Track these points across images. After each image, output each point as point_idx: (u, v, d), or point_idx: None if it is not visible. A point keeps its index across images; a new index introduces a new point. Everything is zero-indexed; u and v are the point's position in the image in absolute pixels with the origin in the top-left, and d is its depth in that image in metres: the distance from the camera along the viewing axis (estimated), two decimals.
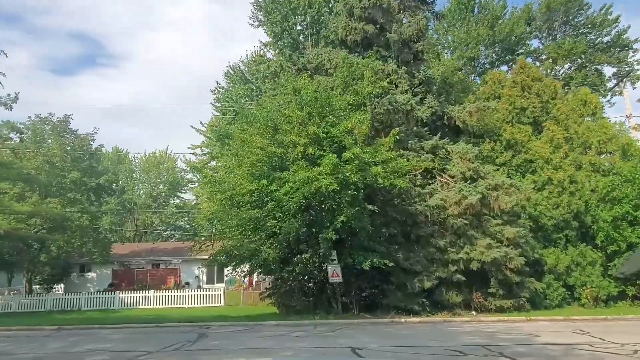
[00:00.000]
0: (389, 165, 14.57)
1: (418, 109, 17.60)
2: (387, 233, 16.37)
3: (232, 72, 36.19)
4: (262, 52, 33.94)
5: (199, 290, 26.89)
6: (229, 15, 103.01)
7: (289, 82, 16.96)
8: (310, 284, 18.32)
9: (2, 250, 27.33)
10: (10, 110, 22.05)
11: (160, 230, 63.76)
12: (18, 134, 22.60)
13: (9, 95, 21.86)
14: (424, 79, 19.02)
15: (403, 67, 18.47)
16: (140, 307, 25.35)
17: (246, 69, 36.74)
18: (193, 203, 61.96)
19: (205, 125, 40.28)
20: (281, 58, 24.61)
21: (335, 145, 14.92)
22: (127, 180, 58.37)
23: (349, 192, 14.18)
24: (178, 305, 25.35)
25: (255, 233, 16.28)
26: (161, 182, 61.09)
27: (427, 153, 17.51)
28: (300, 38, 32.49)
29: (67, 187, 29.97)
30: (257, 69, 33.15)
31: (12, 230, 21.23)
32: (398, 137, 15.68)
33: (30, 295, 28.23)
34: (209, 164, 49.93)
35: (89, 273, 38.40)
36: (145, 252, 40.78)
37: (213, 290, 26.73)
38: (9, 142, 29.34)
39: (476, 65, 34.76)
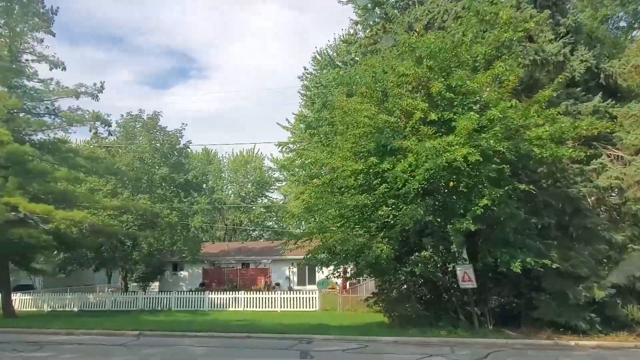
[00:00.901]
0: (548, 129, 10.58)
1: (572, 61, 13.30)
2: (539, 224, 12.30)
3: (319, 58, 33.56)
4: (352, 32, 30.86)
5: (290, 292, 24.43)
6: (307, 19, 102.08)
7: (401, 35, 13.51)
8: (424, 288, 14.82)
9: (99, 247, 27.06)
10: (97, 100, 21.24)
11: (249, 230, 63.54)
12: (105, 126, 21.65)
13: (94, 84, 21.03)
14: (572, 25, 14.63)
15: (546, 11, 14.23)
16: (230, 309, 23.43)
17: (334, 54, 33.95)
18: (281, 202, 60.97)
19: (294, 115, 38.02)
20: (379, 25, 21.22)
21: (469, 106, 11.28)
22: (216, 181, 58.64)
23: (493, 166, 10.45)
24: (269, 309, 23.04)
25: (362, 224, 13.13)
26: (249, 182, 60.70)
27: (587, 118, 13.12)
28: (395, 12, 28.89)
29: (156, 184, 29.25)
30: (348, 50, 30.16)
31: (101, 226, 20.30)
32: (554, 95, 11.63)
33: (125, 293, 27.64)
34: (296, 161, 48.28)
35: (182, 272, 37.98)
36: (235, 251, 39.62)
37: (307, 292, 24.07)
38: (102, 138, 29.26)
39: (610, 27, 28.68)
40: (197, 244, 31.46)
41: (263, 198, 61.09)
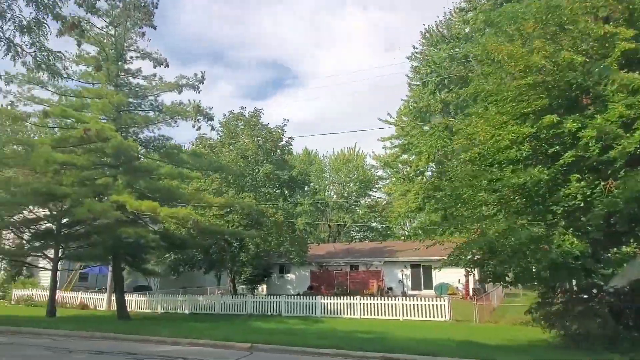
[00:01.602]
0: None
1: None
2: None
3: (429, 35, 30.01)
4: None
5: (414, 298, 21.10)
6: (398, 19, 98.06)
7: None
8: (610, 298, 10.84)
9: (207, 248, 26.36)
10: (198, 92, 20.15)
11: (352, 231, 61.22)
12: (208, 120, 20.40)
13: (195, 75, 19.93)
14: None
15: None
16: (345, 315, 20.93)
17: (446, 31, 30.17)
18: (384, 202, 57.78)
19: (403, 102, 34.83)
20: None
21: None
22: (317, 181, 57.26)
23: None
24: (389, 317, 20.09)
25: (531, 210, 9.68)
26: (351, 181, 58.43)
27: None
28: None
29: (260, 182, 27.91)
30: (464, 19, 26.32)
31: (207, 225, 19.15)
32: None
33: (234, 296, 26.45)
34: (401, 157, 44.88)
35: (288, 274, 36.64)
36: (342, 252, 37.32)
37: (434, 299, 20.65)
38: (206, 138, 28.77)
39: None
40: (304, 245, 29.60)
41: (366, 197, 58.43)
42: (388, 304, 20.46)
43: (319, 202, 54.65)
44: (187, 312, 23.84)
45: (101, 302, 25.86)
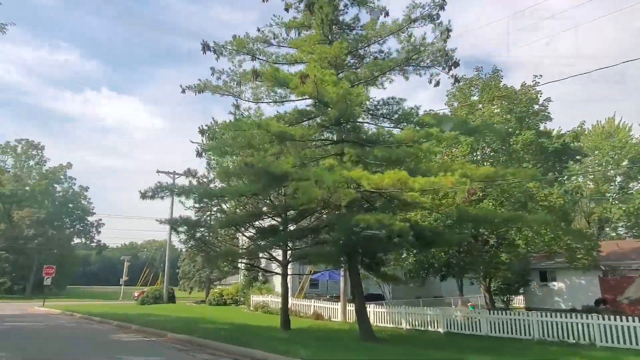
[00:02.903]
0: None
1: None
2: None
3: None
4: None
5: None
6: None
7: None
8: None
9: (455, 246, 20.19)
10: (438, 25, 14.31)
11: (622, 226, 46.65)
12: (449, 68, 14.52)
13: (433, 0, 14.24)
14: None
15: None
16: None
17: None
18: None
19: None
20: None
21: None
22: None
23: None
24: None
25: None
26: (614, 162, 44.60)
27: None
28: None
29: (517, 154, 20.41)
30: None
31: (471, 212, 13.13)
32: None
33: (493, 311, 19.36)
34: None
35: (554, 282, 27.63)
36: (635, 253, 26.32)
37: None
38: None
39: None
40: (593, 241, 20.57)
41: None
42: None
43: (569, 193, 42.87)
44: (441, 330, 18.01)
45: (335, 312, 22.24)
